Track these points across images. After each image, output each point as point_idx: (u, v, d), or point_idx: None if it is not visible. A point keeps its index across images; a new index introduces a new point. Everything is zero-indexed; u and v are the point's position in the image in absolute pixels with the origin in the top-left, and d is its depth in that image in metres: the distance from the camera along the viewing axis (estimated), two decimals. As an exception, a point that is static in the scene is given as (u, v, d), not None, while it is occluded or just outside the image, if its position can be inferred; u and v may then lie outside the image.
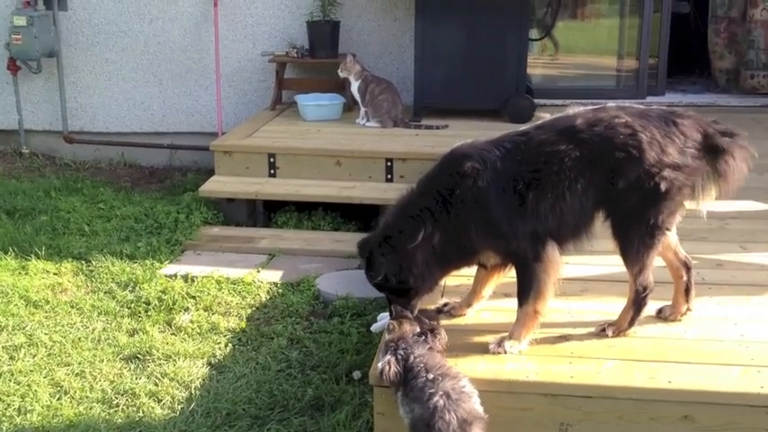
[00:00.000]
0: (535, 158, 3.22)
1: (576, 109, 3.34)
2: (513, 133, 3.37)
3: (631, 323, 3.42)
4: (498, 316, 3.60)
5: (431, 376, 2.92)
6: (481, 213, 3.24)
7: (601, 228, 3.37)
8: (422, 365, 2.97)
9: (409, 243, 3.28)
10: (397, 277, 3.33)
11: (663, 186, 3.17)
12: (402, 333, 3.14)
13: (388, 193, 5.98)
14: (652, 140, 3.16)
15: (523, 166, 3.22)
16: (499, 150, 3.26)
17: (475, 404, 2.90)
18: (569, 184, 3.19)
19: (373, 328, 4.09)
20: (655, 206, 3.20)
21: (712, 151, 3.24)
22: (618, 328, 3.42)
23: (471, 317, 3.62)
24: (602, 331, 3.43)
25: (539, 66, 8.50)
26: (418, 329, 3.20)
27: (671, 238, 3.44)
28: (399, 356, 3.03)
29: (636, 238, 3.26)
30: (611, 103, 3.38)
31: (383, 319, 3.80)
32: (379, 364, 3.06)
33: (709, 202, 3.32)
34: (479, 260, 3.46)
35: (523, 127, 3.43)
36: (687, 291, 3.54)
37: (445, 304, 3.70)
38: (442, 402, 2.83)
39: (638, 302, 3.38)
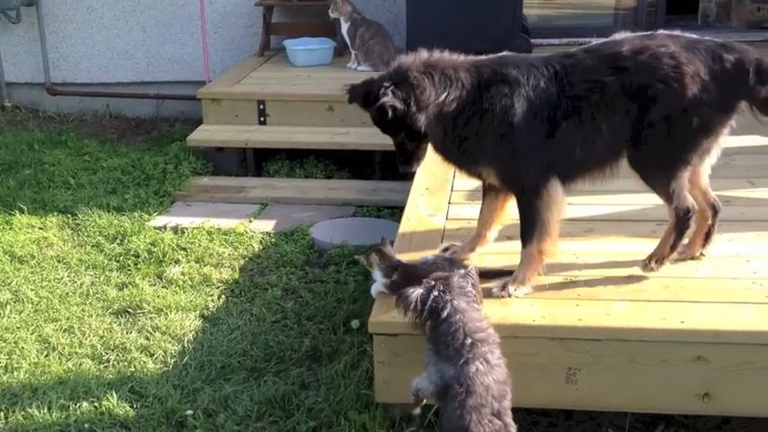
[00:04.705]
0: (578, 85, 3.04)
1: (625, 34, 3.16)
2: (561, 54, 3.18)
3: (673, 248, 3.24)
4: (502, 259, 3.45)
5: (469, 341, 2.64)
6: (501, 127, 3.05)
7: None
8: (461, 325, 2.65)
9: (431, 93, 3.02)
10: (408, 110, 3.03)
11: (694, 124, 3.01)
12: (448, 276, 2.78)
13: (383, 137, 5.80)
14: (695, 75, 2.99)
15: (566, 91, 3.05)
16: (548, 70, 3.08)
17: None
18: (608, 116, 3.04)
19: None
20: (685, 143, 3.05)
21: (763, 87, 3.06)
22: (659, 255, 3.26)
23: (474, 261, 3.47)
24: (645, 266, 3.27)
25: (534, 5, 8.27)
26: (462, 272, 2.83)
27: (702, 178, 3.31)
28: (432, 298, 2.69)
29: (657, 167, 3.12)
30: (661, 30, 3.21)
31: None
32: (411, 291, 2.72)
33: None
34: (476, 171, 3.28)
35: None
36: (708, 235, 3.38)
37: (446, 248, 3.55)
38: (482, 368, 2.61)
39: (680, 226, 3.20)
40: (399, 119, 3.05)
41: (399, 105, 3.01)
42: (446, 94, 3.04)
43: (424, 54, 3.12)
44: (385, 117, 3.03)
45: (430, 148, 3.26)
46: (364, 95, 3.10)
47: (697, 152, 3.11)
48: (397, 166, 3.34)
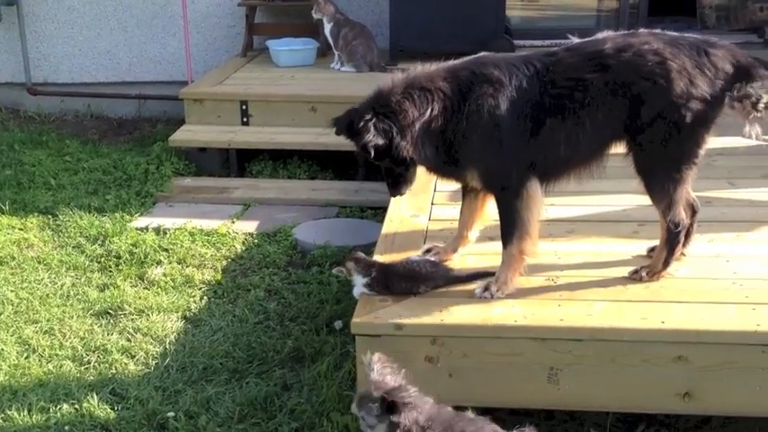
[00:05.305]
0: (561, 84, 3.04)
1: (607, 33, 3.17)
2: (542, 53, 3.19)
3: (666, 264, 3.25)
4: (483, 260, 3.46)
5: None
6: (487, 127, 3.04)
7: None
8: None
9: (414, 114, 3.01)
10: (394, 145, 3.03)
11: (688, 119, 3.01)
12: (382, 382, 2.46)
13: (365, 138, 5.80)
14: (681, 70, 2.99)
15: (548, 89, 3.05)
16: (528, 69, 3.08)
17: None
18: (590, 113, 3.03)
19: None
20: (680, 139, 3.04)
21: (749, 82, 3.06)
22: (652, 270, 3.26)
23: (456, 261, 3.48)
24: (635, 273, 3.28)
25: (517, 7, 8.30)
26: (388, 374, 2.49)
27: None
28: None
29: (661, 172, 3.11)
30: (643, 29, 3.22)
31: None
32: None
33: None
34: (461, 176, 3.29)
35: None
36: (687, 234, 3.36)
37: (429, 249, 3.55)
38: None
39: (670, 241, 3.21)
40: (383, 152, 3.04)
41: (381, 141, 3.00)
42: (430, 110, 3.03)
43: (399, 75, 3.12)
44: (368, 155, 3.04)
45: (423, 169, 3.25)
46: (348, 126, 3.08)
47: (697, 148, 3.10)
48: (389, 191, 3.33)
